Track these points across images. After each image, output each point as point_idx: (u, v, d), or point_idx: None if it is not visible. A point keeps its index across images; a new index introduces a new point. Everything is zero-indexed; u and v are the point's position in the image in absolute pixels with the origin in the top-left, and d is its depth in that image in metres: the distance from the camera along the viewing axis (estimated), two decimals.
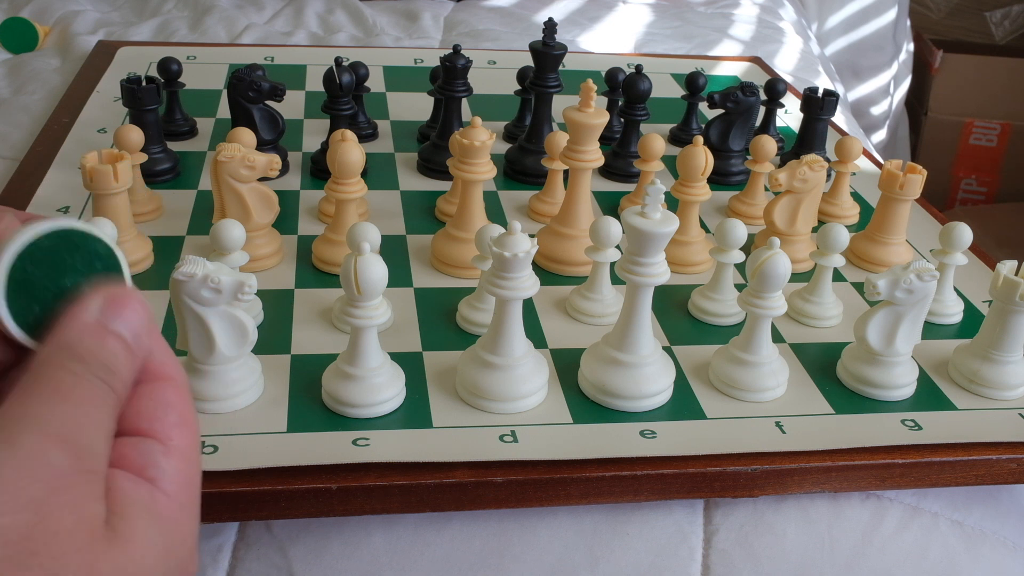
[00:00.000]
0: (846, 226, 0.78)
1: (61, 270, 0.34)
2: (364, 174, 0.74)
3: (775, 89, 1.00)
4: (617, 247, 0.67)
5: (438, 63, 0.91)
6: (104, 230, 0.35)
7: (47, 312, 0.33)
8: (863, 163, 1.01)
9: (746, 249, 0.70)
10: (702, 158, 0.74)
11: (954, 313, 0.74)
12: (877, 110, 1.99)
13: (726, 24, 1.57)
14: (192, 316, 0.54)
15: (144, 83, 0.84)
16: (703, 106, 1.09)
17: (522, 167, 0.91)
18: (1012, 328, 0.63)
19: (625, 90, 0.91)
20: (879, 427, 0.60)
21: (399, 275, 0.74)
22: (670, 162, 0.92)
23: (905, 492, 0.61)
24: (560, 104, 0.85)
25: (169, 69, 0.95)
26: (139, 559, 0.30)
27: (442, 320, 0.69)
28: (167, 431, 0.33)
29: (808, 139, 0.95)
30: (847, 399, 0.63)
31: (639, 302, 0.59)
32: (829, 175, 0.94)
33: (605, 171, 0.94)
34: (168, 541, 0.31)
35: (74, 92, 1.06)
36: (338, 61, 0.87)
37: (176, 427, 0.33)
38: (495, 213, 0.85)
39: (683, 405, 0.61)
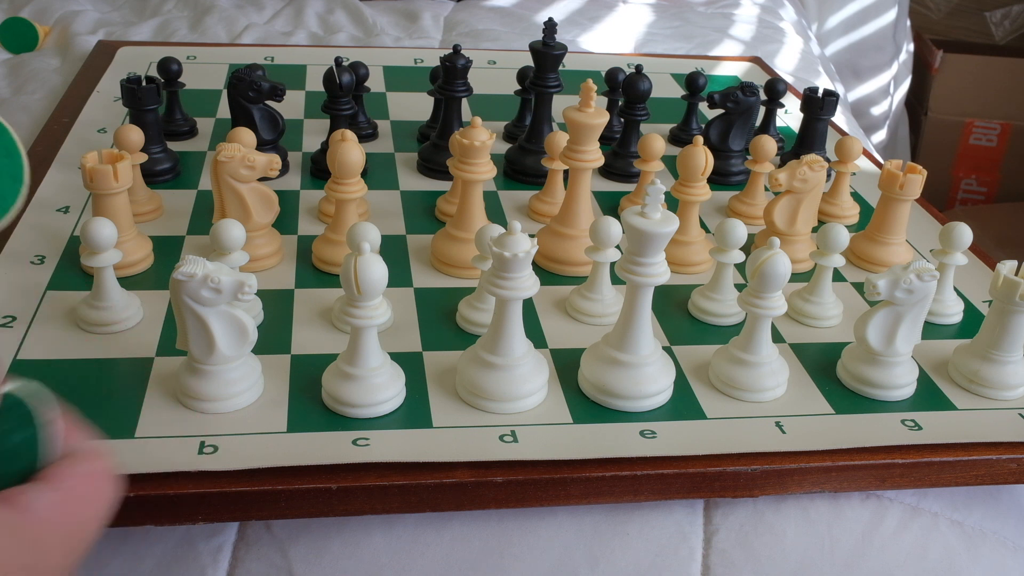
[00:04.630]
0: (846, 226, 0.78)
1: None
2: (364, 174, 0.74)
3: (775, 89, 1.00)
4: (617, 247, 0.67)
5: (438, 63, 0.91)
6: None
7: None
8: (863, 163, 1.01)
9: (746, 249, 0.70)
10: (702, 158, 0.74)
11: (954, 313, 0.74)
12: (877, 110, 1.99)
13: (726, 24, 1.57)
14: (192, 316, 0.54)
15: (144, 83, 0.84)
16: (703, 106, 1.09)
17: (522, 167, 0.91)
18: (1012, 328, 0.63)
19: (625, 90, 0.91)
20: (879, 427, 0.60)
21: (399, 275, 0.74)
22: (670, 162, 0.92)
23: (905, 492, 0.61)
24: (560, 104, 0.85)
25: (169, 69, 0.95)
26: None
27: (442, 320, 0.69)
28: (59, 479, 0.37)
29: (808, 139, 0.95)
30: (847, 399, 0.63)
31: (639, 302, 0.59)
32: (829, 175, 0.94)
33: (605, 171, 0.94)
34: (10, 540, 0.34)
35: (74, 92, 1.06)
36: (338, 61, 0.87)
37: (71, 477, 0.37)
38: (495, 213, 0.85)
39: (683, 405, 0.61)
